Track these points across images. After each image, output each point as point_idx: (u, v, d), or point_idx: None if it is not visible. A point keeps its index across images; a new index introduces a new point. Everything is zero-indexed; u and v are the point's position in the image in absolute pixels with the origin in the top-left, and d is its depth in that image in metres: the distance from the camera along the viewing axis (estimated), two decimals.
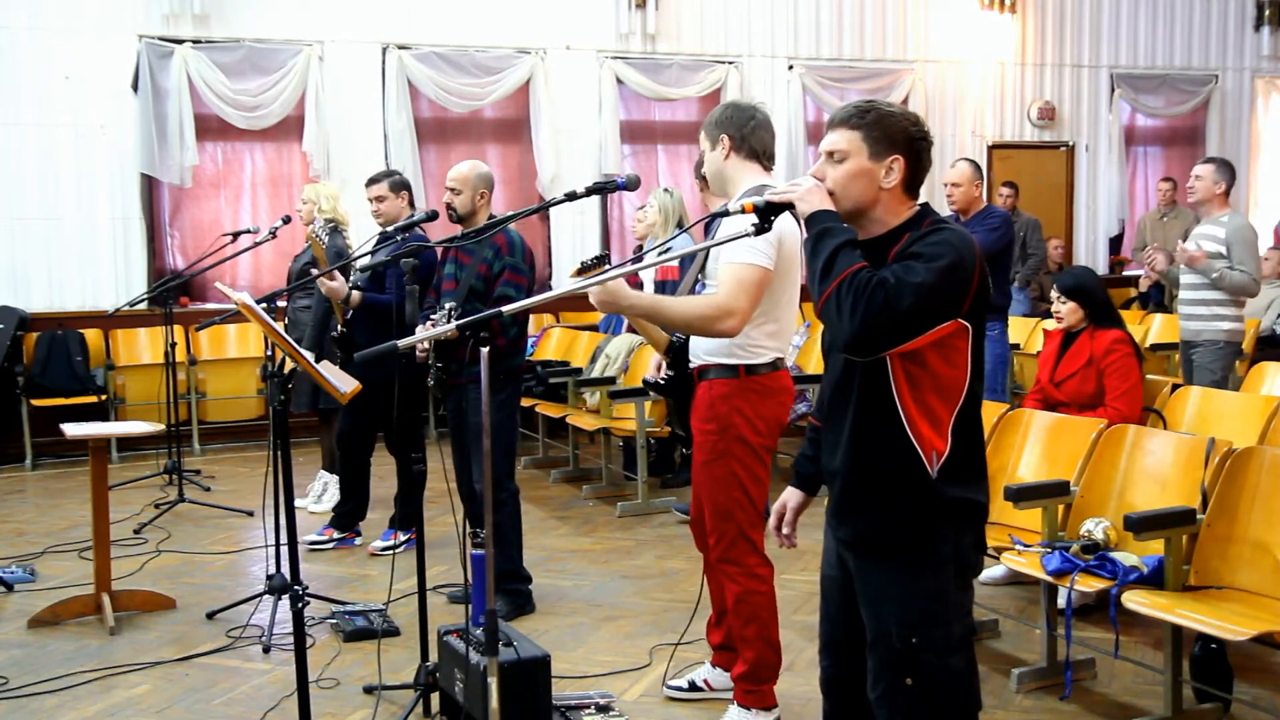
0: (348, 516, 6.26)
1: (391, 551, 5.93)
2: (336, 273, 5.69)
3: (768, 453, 3.78)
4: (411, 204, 6.13)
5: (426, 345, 4.72)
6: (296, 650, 3.58)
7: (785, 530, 3.02)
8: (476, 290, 4.94)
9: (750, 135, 3.76)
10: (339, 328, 5.80)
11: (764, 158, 3.79)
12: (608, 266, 3.38)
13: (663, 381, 4.01)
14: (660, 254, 6.08)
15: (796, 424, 7.21)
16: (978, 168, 6.70)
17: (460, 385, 5.02)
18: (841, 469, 2.64)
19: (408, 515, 5.99)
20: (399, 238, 5.23)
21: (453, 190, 5.04)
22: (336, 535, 6.22)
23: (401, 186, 6.08)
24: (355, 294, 5.76)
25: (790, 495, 3.02)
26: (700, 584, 4.12)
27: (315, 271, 5.72)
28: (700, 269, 3.89)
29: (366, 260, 5.13)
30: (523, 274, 4.94)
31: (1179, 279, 6.40)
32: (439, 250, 5.27)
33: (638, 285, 7.19)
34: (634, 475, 7.13)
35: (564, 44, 10.16)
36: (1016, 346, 8.12)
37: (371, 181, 6.15)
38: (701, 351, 3.78)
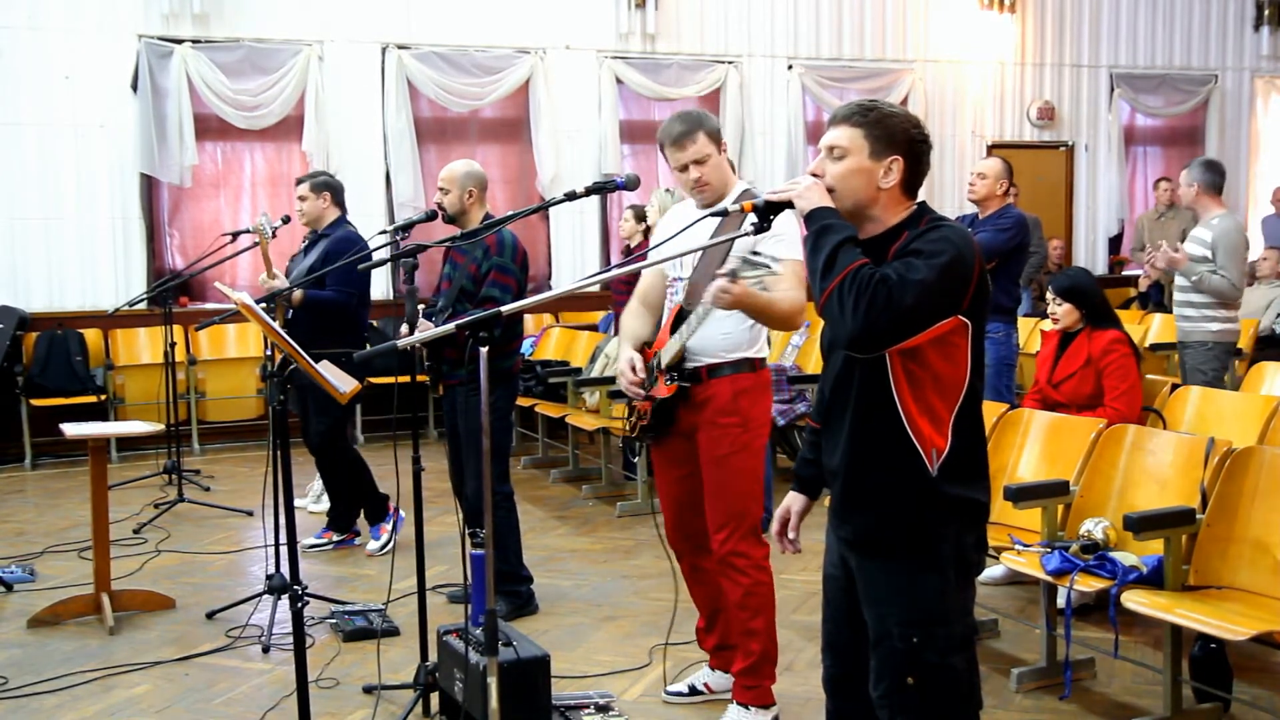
0: (343, 517, 6.24)
1: (383, 549, 5.94)
2: (278, 272, 5.79)
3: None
4: (339, 205, 6.12)
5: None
6: (296, 650, 3.58)
7: (791, 535, 2.99)
8: (467, 291, 4.93)
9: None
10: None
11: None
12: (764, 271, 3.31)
13: (645, 428, 3.90)
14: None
15: (795, 424, 7.21)
16: (1009, 167, 6.45)
17: (451, 387, 5.02)
18: (842, 468, 2.65)
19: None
20: (397, 237, 5.22)
21: (441, 190, 5.02)
22: (336, 537, 6.20)
23: (324, 188, 6.07)
24: (298, 293, 5.69)
25: (793, 500, 2.98)
26: (675, 589, 4.12)
27: (264, 275, 5.81)
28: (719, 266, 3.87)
29: (370, 260, 5.16)
30: (510, 274, 4.88)
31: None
32: (441, 251, 5.27)
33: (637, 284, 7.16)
34: (634, 475, 7.12)
35: (564, 44, 10.16)
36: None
37: (298, 181, 6.19)
38: (717, 350, 3.75)
